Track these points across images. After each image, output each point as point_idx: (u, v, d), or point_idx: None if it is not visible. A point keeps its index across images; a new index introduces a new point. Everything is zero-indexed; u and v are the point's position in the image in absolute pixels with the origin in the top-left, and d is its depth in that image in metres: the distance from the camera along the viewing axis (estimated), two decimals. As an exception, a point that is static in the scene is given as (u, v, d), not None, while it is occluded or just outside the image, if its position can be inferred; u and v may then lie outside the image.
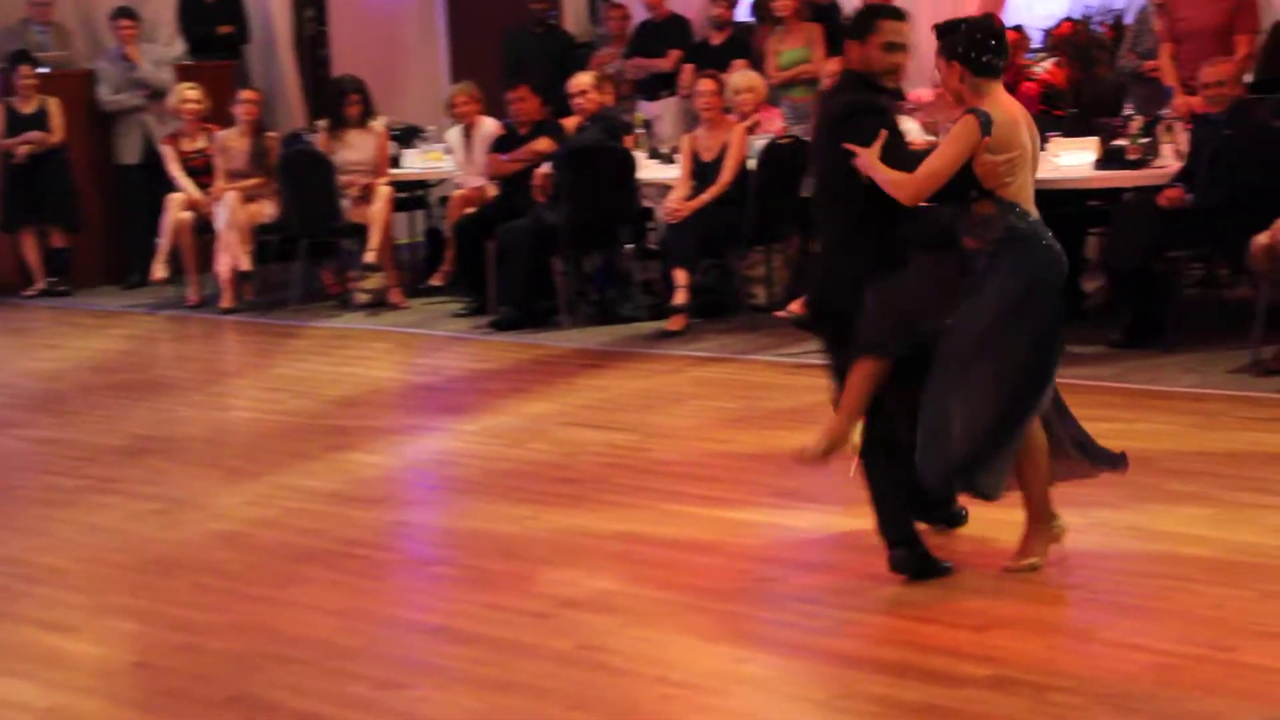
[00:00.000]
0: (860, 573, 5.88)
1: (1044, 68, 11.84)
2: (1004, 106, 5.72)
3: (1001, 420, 5.61)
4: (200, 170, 12.49)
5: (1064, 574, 5.82)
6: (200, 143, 12.57)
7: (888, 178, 5.65)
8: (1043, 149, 9.68)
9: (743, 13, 13.99)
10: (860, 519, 6.39)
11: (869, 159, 5.65)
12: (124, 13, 13.65)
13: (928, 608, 5.50)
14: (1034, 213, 5.76)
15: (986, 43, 5.71)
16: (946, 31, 5.75)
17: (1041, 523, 5.82)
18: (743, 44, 13.09)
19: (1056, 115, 10.71)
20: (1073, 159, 9.64)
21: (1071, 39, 10.88)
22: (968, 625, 5.33)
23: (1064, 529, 5.90)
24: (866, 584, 5.78)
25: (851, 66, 5.91)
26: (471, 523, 6.79)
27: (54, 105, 13.11)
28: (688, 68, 12.91)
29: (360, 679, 5.16)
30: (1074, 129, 10.14)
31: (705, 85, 10.66)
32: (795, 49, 12.58)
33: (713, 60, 12.44)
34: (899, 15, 5.94)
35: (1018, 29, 12.64)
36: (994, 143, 5.60)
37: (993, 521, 6.06)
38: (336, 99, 12.23)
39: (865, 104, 5.80)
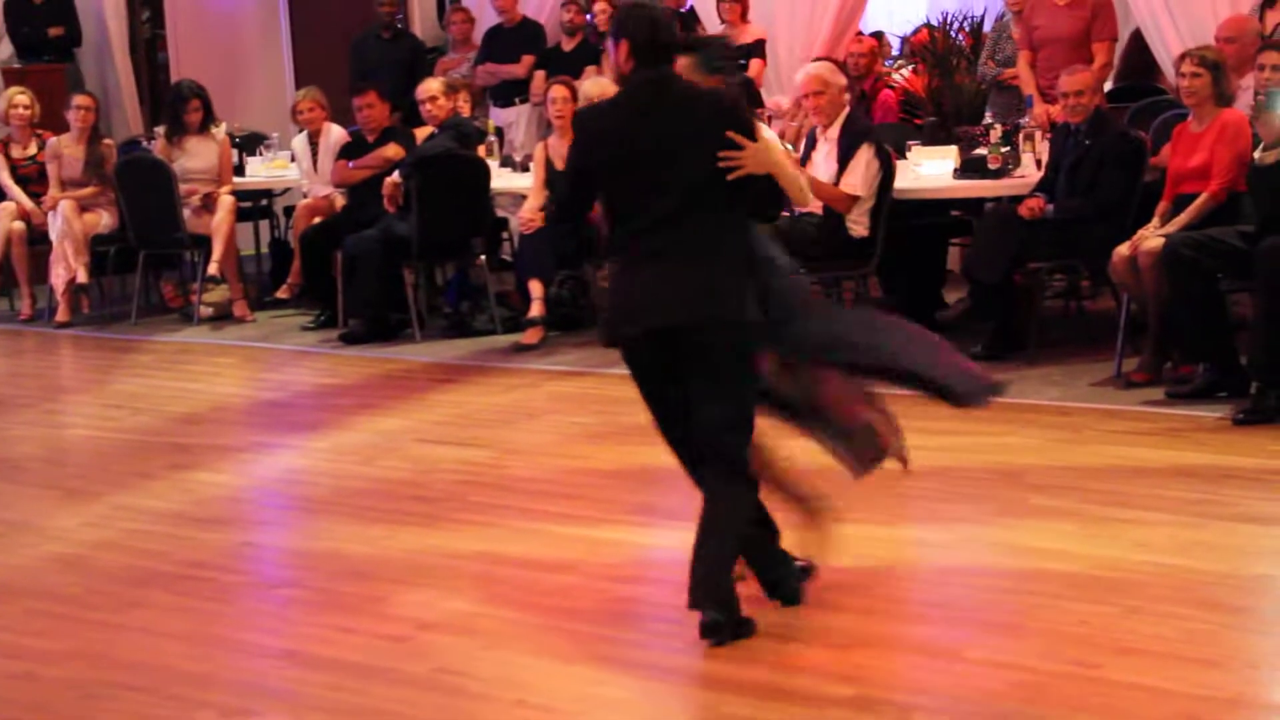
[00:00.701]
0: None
1: (903, 75, 11.91)
2: None
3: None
4: (32, 179, 12.19)
5: (928, 591, 5.82)
6: (31, 150, 12.27)
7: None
8: (904, 157, 9.77)
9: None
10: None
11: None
12: (-54, 15, 13.31)
13: (790, 626, 5.43)
14: None
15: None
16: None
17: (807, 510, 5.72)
18: (595, 49, 13.01)
19: (916, 123, 10.76)
20: (933, 168, 9.66)
21: (930, 46, 10.92)
22: (831, 644, 5.27)
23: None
24: (728, 603, 5.69)
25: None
26: (322, 543, 6.65)
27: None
28: (540, 74, 12.80)
29: (207, 706, 5.03)
30: (933, 137, 10.17)
31: (558, 92, 10.56)
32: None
33: (565, 66, 12.36)
34: None
35: (877, 36, 12.74)
36: None
37: (865, 539, 6.00)
38: (176, 104, 11.98)
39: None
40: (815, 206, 9.11)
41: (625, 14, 5.45)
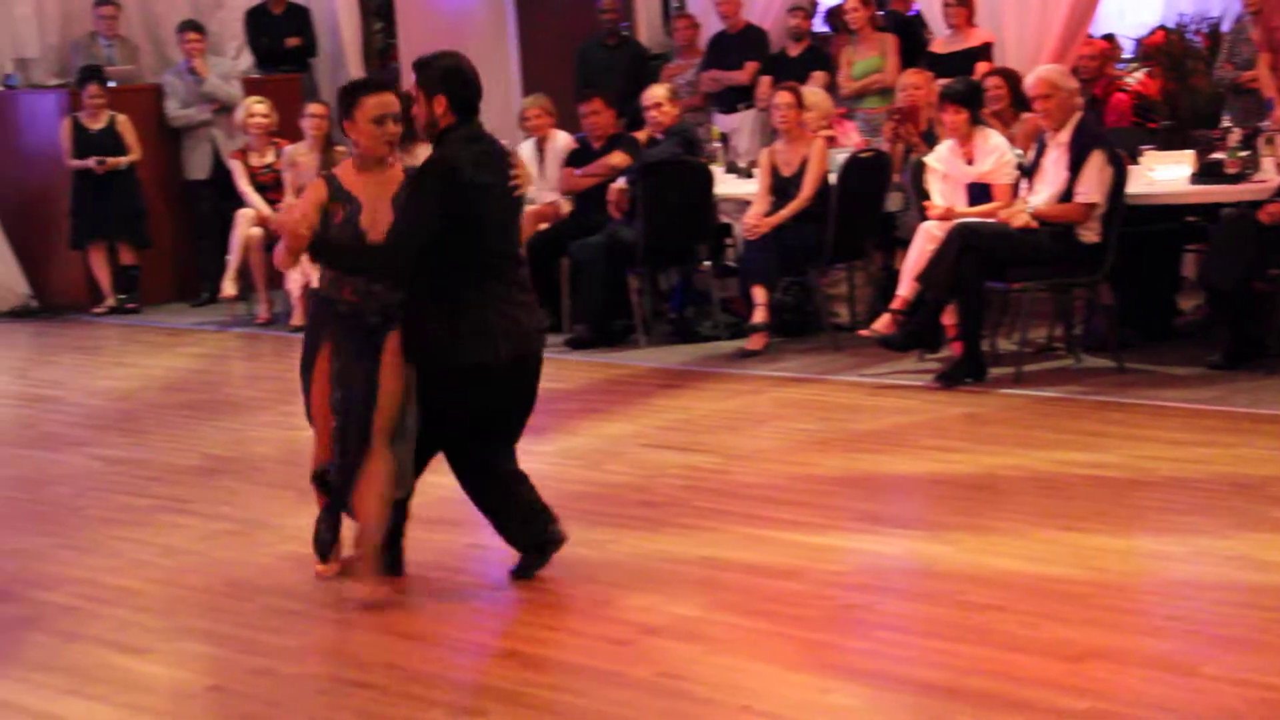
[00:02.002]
0: (948, 600, 5.77)
1: (1136, 78, 11.66)
2: None
3: None
4: (269, 185, 12.44)
5: (1164, 604, 5.67)
6: (269, 157, 12.53)
7: None
8: (1137, 162, 9.56)
9: (821, 23, 13.87)
10: (947, 544, 6.28)
11: None
12: (191, 26, 13.65)
13: (1019, 637, 5.35)
14: None
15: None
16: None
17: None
18: (821, 55, 12.96)
19: (1150, 128, 10.53)
20: (1168, 173, 9.45)
21: (1165, 48, 10.68)
22: (1062, 656, 5.18)
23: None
24: (955, 612, 5.65)
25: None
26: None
27: (124, 122, 13.10)
28: (765, 80, 12.77)
29: (436, 705, 5.08)
30: (1169, 142, 9.95)
31: (782, 98, 10.51)
32: (868, 59, 12.43)
33: (790, 72, 12.31)
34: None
35: (1109, 38, 12.49)
36: None
37: (1098, 550, 5.89)
38: (407, 112, 12.10)
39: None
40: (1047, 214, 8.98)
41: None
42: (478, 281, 5.92)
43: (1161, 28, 12.27)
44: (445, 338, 5.89)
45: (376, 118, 6.10)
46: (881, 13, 13.35)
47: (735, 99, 13.41)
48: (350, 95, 6.14)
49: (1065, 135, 9.00)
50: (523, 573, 6.21)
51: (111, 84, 13.22)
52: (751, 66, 13.27)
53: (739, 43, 13.49)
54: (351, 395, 6.03)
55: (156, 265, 13.55)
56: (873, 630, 5.58)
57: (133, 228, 13.23)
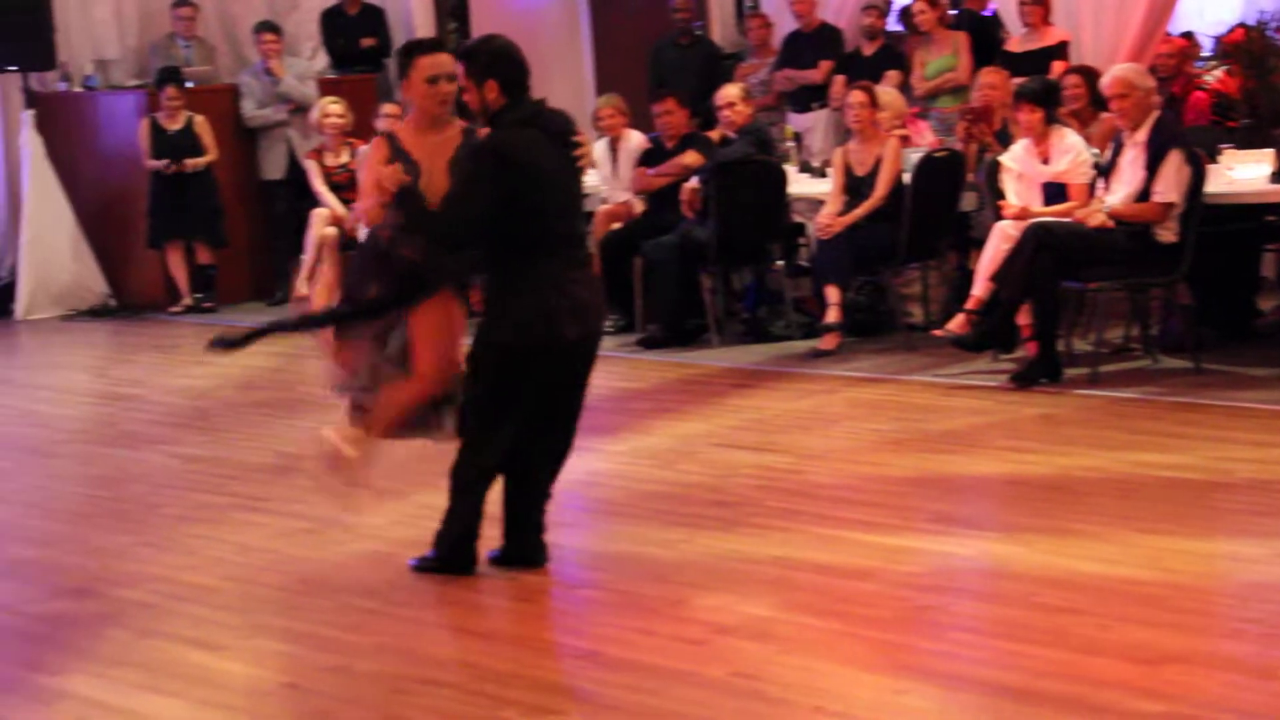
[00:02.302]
0: (1022, 602, 5.73)
1: (1215, 76, 11.55)
2: None
3: None
4: (344, 185, 12.50)
5: (1243, 607, 5.62)
6: (343, 157, 12.59)
7: None
8: (1215, 161, 9.48)
9: (895, 22, 13.82)
10: (1021, 546, 6.25)
11: None
12: (267, 27, 13.74)
13: (1094, 639, 5.32)
14: None
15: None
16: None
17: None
18: (895, 54, 12.91)
19: (1229, 126, 10.43)
20: (1247, 172, 9.36)
21: (1245, 46, 10.57)
22: (1138, 659, 5.14)
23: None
24: (1029, 614, 5.62)
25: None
26: (622, 546, 6.69)
27: (201, 123, 13.19)
28: (839, 79, 12.74)
29: (510, 704, 5.09)
30: (1248, 140, 9.85)
31: (856, 97, 10.48)
32: (940, 59, 12.38)
33: (865, 71, 12.28)
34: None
35: (1188, 36, 12.38)
36: None
37: (1175, 552, 5.84)
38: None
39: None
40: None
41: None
42: (540, 262, 5.99)
43: (1241, 25, 12.14)
44: (510, 317, 5.98)
45: (430, 77, 6.17)
46: (954, 11, 13.29)
47: (809, 98, 13.38)
48: (405, 56, 6.25)
49: (1142, 134, 8.93)
50: (501, 561, 6.39)
51: (189, 85, 13.32)
52: (826, 65, 13.24)
53: (813, 42, 13.46)
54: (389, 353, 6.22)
55: (233, 264, 13.65)
56: (946, 631, 5.56)
57: (209, 227, 13.32)
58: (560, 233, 6.08)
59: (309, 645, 5.69)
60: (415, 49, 6.33)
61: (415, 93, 6.27)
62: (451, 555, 6.30)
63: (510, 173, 5.90)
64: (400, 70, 6.33)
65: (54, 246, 13.52)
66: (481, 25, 15.66)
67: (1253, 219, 9.61)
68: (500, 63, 6.07)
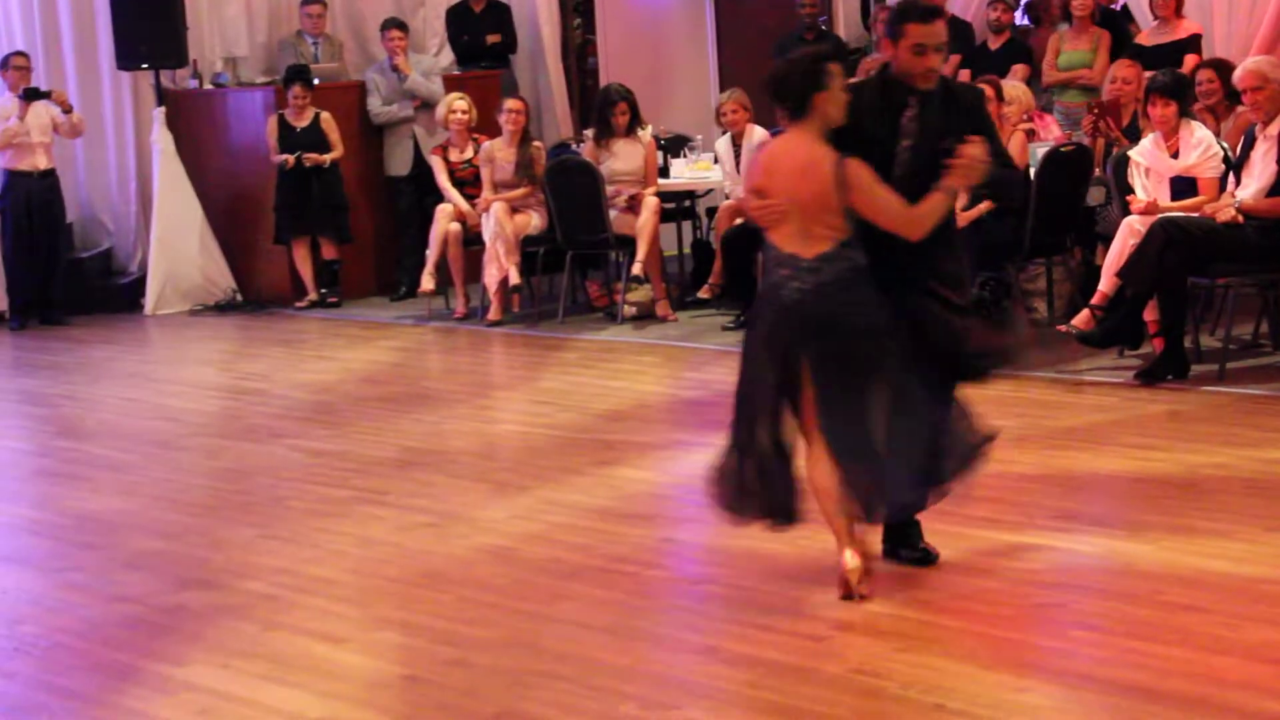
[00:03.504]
0: (1147, 600, 5.67)
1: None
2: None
3: None
4: (468, 181, 12.57)
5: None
6: (468, 153, 12.66)
7: None
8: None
9: (1021, 16, 13.67)
10: (1147, 544, 6.17)
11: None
12: (394, 23, 13.83)
13: (1221, 639, 5.25)
14: None
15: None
16: None
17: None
18: (1021, 48, 12.78)
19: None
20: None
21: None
22: (1266, 658, 5.08)
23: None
24: (1153, 612, 5.55)
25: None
26: (741, 541, 6.63)
27: (328, 120, 13.31)
28: (964, 74, 12.63)
29: (629, 698, 5.09)
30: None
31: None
32: (1078, 51, 12.23)
33: (991, 65, 12.18)
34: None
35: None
36: None
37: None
38: (604, 108, 12.21)
39: None
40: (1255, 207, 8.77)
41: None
42: None
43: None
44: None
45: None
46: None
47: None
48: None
49: (1275, 128, 8.80)
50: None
51: (316, 82, 13.44)
52: (954, 59, 13.13)
53: (942, 35, 13.33)
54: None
55: (357, 260, 13.76)
56: (1069, 629, 5.51)
57: (335, 223, 13.44)
58: None
59: (429, 638, 5.72)
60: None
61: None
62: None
63: None
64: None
65: (183, 242, 13.70)
66: (607, 21, 15.74)
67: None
68: None
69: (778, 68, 5.93)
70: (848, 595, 5.75)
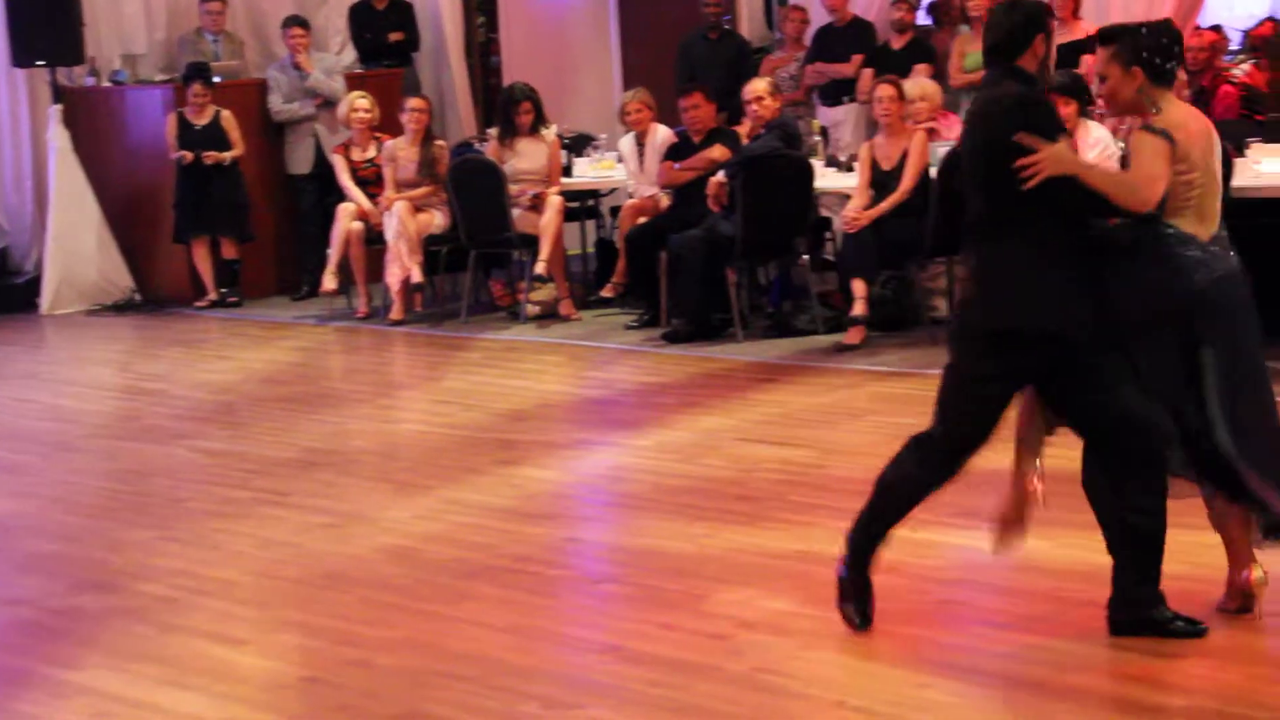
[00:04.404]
0: (1046, 596, 5.73)
1: (1243, 70, 11.49)
2: (1185, 118, 5.36)
3: None
4: (370, 180, 12.52)
5: (1273, 600, 5.54)
6: (370, 152, 12.60)
7: (1115, 179, 5.28)
8: (1243, 154, 9.43)
9: (924, 16, 13.75)
10: (1045, 539, 6.21)
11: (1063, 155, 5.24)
12: (296, 21, 13.74)
13: (1121, 635, 5.27)
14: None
15: (1171, 48, 5.35)
16: (1120, 35, 5.38)
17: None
18: (924, 47, 12.86)
19: (1257, 120, 10.37)
20: (1274, 166, 9.30)
21: (1273, 40, 10.52)
22: (1163, 653, 5.13)
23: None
24: (1054, 608, 5.62)
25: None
26: (644, 540, 6.68)
27: (228, 118, 13.19)
28: (867, 73, 12.70)
29: (531, 698, 5.09)
30: (1275, 134, 9.79)
31: (884, 91, 10.47)
32: (980, 52, 12.31)
33: (894, 65, 12.22)
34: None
35: (1216, 29, 12.33)
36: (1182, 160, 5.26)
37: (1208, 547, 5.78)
38: (508, 107, 12.18)
39: (1036, 98, 5.41)
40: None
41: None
42: None
43: (1269, 19, 12.09)
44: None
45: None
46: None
47: (840, 92, 13.33)
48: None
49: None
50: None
51: (216, 80, 13.32)
52: (857, 59, 13.20)
53: (845, 35, 13.40)
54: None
55: (258, 259, 13.65)
56: (970, 625, 5.56)
57: (235, 222, 13.32)
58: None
59: (330, 639, 5.69)
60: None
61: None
62: None
63: None
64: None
65: (80, 241, 13.53)
66: (510, 19, 15.71)
67: (1280, 214, 9.57)
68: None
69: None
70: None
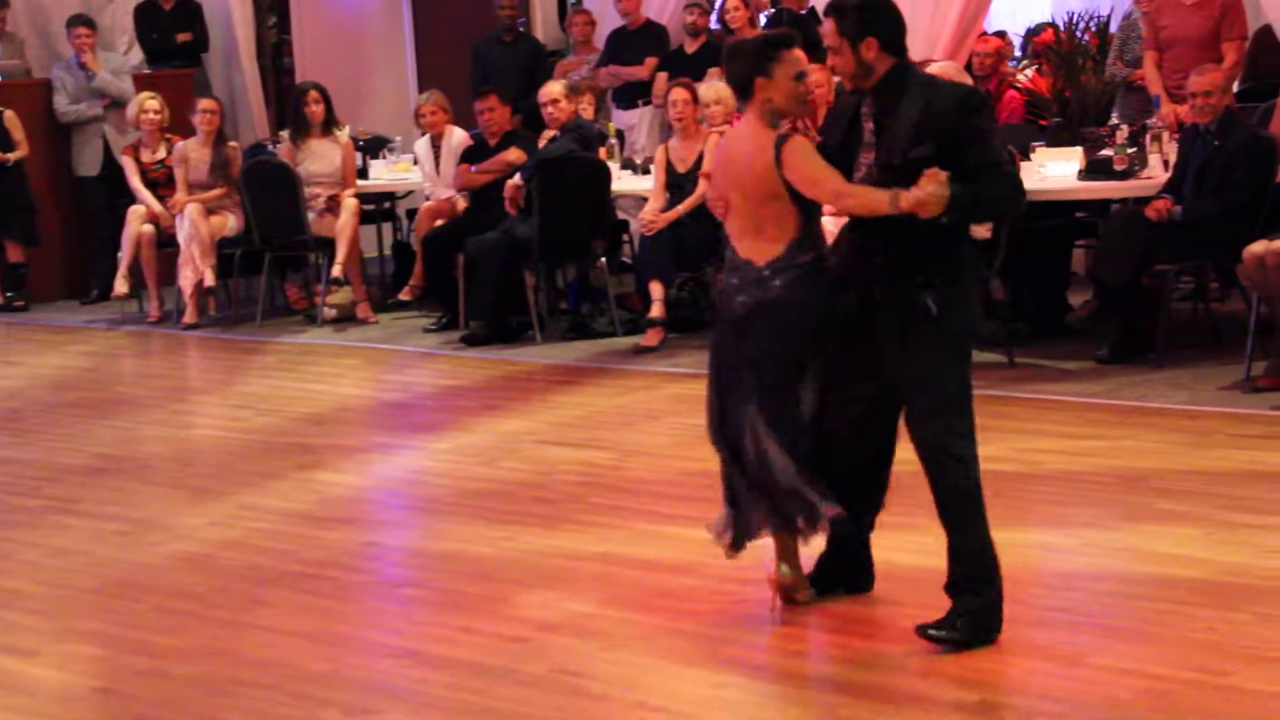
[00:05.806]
0: (847, 596, 5.76)
1: (1027, 75, 11.76)
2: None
3: None
4: (161, 182, 12.34)
5: (1051, 596, 5.72)
6: (161, 154, 12.42)
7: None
8: (1028, 158, 9.67)
9: (715, 21, 13.88)
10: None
11: None
12: (81, 20, 13.49)
13: (911, 631, 5.35)
14: None
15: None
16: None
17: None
18: (718, 51, 12.96)
19: (1041, 124, 10.62)
20: (1057, 169, 9.54)
21: (1055, 46, 10.78)
22: (967, 654, 5.18)
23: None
24: (848, 606, 5.68)
25: None
26: (444, 544, 6.67)
27: (11, 118, 12.92)
28: (662, 76, 12.80)
29: (329, 704, 5.06)
30: (1058, 139, 10.04)
31: (678, 94, 10.55)
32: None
33: (688, 69, 12.33)
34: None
35: (1001, 35, 12.61)
36: None
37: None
38: (296, 101, 12.08)
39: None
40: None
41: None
42: None
43: (1050, 26, 12.40)
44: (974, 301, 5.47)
45: (798, 74, 5.53)
46: (772, 10, 13.41)
47: (635, 95, 13.42)
48: (770, 49, 5.57)
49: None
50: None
51: (-2, 79, 13.06)
52: (651, 62, 13.29)
53: (639, 39, 13.50)
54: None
55: (45, 263, 13.38)
56: (766, 625, 5.59)
57: (21, 225, 13.05)
58: None
59: (123, 649, 5.61)
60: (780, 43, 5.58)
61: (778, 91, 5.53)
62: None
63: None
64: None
65: None
66: (303, 20, 15.56)
67: (1063, 216, 9.81)
68: (879, 19, 5.37)
69: (729, 48, 5.75)
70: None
